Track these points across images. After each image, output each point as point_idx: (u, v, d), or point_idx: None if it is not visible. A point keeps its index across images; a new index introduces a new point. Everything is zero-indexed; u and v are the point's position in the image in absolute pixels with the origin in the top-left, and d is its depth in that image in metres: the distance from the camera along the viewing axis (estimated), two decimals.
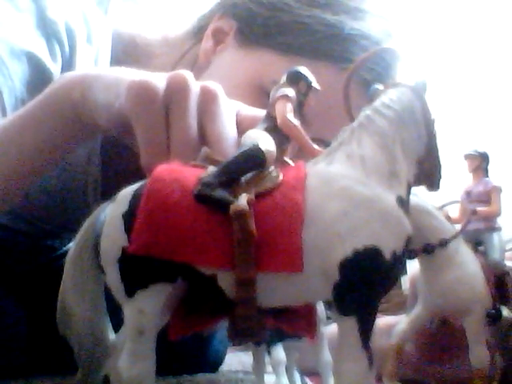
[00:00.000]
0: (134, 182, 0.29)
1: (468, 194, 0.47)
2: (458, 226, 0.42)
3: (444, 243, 0.39)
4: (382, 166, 0.29)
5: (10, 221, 0.71)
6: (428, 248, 0.39)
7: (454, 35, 1.78)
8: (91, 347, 0.29)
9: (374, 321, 0.26)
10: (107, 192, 0.68)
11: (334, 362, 0.27)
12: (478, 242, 0.45)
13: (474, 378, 0.40)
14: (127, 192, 0.29)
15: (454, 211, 0.46)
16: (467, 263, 0.40)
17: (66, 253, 0.82)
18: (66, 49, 0.58)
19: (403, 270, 0.28)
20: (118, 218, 0.28)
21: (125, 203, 0.28)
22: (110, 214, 0.28)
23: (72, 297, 0.29)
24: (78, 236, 0.30)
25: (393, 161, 0.29)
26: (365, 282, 0.26)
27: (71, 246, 0.82)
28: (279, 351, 0.40)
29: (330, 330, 0.38)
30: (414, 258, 0.40)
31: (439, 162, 0.32)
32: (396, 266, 0.27)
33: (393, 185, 0.28)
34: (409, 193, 0.29)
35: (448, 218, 0.42)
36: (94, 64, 0.63)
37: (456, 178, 0.44)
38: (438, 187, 0.32)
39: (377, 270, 0.26)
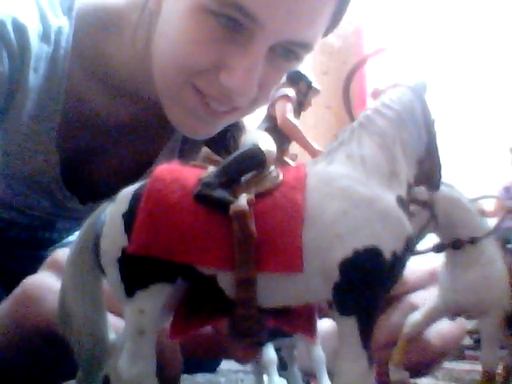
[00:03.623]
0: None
1: (507, 189, 0.46)
2: (491, 220, 0.41)
3: (474, 241, 0.39)
4: (382, 166, 0.28)
5: (3, 212, 0.72)
6: (457, 243, 0.39)
7: (455, 34, 1.78)
8: (91, 347, 0.29)
9: (374, 321, 0.26)
10: (71, 184, 0.67)
11: (334, 362, 0.27)
12: (507, 240, 0.44)
13: (481, 378, 0.39)
14: (127, 192, 0.29)
15: (489, 205, 0.45)
16: (493, 263, 0.39)
17: (65, 244, 0.82)
18: (15, 47, 0.58)
19: (403, 270, 0.28)
20: (117, 218, 0.28)
21: (125, 203, 0.28)
22: (110, 214, 0.28)
23: (72, 297, 0.29)
24: (78, 236, 0.30)
25: (393, 161, 0.29)
26: (365, 282, 0.26)
27: (70, 239, 0.83)
28: (270, 351, 0.40)
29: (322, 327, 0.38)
30: (441, 251, 0.40)
31: (439, 161, 0.32)
32: (396, 266, 0.27)
33: (393, 185, 0.28)
34: (409, 193, 0.29)
35: (481, 212, 0.41)
36: (49, 63, 0.62)
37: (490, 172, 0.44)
38: (438, 187, 0.32)
39: (377, 270, 0.26)
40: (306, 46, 0.58)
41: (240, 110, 0.62)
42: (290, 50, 0.58)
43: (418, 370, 0.45)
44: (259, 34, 0.54)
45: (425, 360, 0.45)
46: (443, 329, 0.46)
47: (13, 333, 0.42)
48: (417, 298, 0.46)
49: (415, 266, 0.47)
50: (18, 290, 0.42)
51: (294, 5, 0.53)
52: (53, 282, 0.41)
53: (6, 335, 0.42)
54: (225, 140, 0.68)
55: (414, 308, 0.44)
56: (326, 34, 0.63)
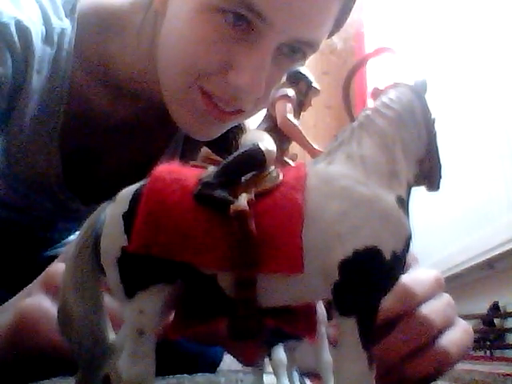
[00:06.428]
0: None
1: None
2: None
3: None
4: (382, 166, 0.28)
5: (4, 212, 0.72)
6: None
7: (455, 35, 1.78)
8: (91, 347, 0.29)
9: (374, 321, 0.26)
10: (73, 184, 0.68)
11: (334, 362, 0.27)
12: None
13: None
14: (127, 192, 0.29)
15: None
16: None
17: (66, 244, 0.83)
18: (18, 50, 0.58)
19: (403, 270, 0.28)
20: (117, 218, 0.28)
21: (125, 203, 0.28)
22: (110, 214, 0.28)
23: (72, 297, 0.29)
24: (78, 236, 0.30)
25: (393, 161, 0.29)
26: (365, 282, 0.26)
27: (71, 238, 0.84)
28: (280, 352, 0.40)
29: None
30: None
31: (439, 161, 0.32)
32: (396, 266, 0.27)
33: (393, 185, 0.28)
34: (409, 193, 0.29)
35: None
36: (52, 65, 0.62)
37: None
38: (438, 187, 0.32)
39: (377, 270, 0.26)
40: (313, 45, 0.58)
41: (245, 112, 0.62)
42: (297, 49, 0.58)
43: (434, 379, 0.45)
44: (267, 32, 0.54)
45: (442, 369, 0.45)
46: (456, 336, 0.46)
47: (9, 356, 0.43)
48: (427, 309, 0.45)
49: (420, 276, 0.46)
50: (14, 315, 0.43)
51: (302, 3, 0.53)
52: (48, 306, 0.42)
53: (3, 356, 0.44)
54: (226, 140, 0.68)
55: (426, 323, 0.44)
56: (330, 35, 0.63)
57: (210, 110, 0.60)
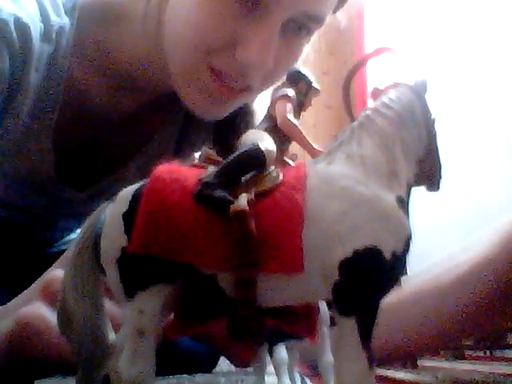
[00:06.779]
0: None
1: None
2: None
3: None
4: (382, 166, 0.28)
5: (4, 211, 0.72)
6: None
7: (456, 33, 1.78)
8: (91, 347, 0.29)
9: (374, 321, 0.26)
10: (66, 177, 0.68)
11: (334, 362, 0.27)
12: None
13: None
14: (127, 192, 0.29)
15: None
16: None
17: (66, 242, 0.83)
18: (16, 47, 0.58)
19: (403, 270, 0.28)
20: (117, 218, 0.28)
21: (125, 203, 0.28)
22: (110, 214, 0.28)
23: (72, 297, 0.29)
24: (78, 236, 0.30)
25: (393, 161, 0.29)
26: (365, 283, 0.26)
27: (72, 236, 0.83)
28: (281, 351, 0.40)
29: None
30: None
31: (439, 161, 0.32)
32: (396, 267, 0.27)
33: (393, 185, 0.28)
34: (409, 193, 0.29)
35: None
36: (50, 62, 0.62)
37: None
38: (439, 187, 0.32)
39: (377, 270, 0.26)
40: (319, 20, 0.59)
41: (252, 90, 0.63)
42: (303, 26, 0.58)
43: None
44: (274, 7, 0.54)
45: None
46: None
47: (10, 362, 0.44)
48: None
49: None
50: (14, 322, 0.43)
51: None
52: (47, 313, 0.42)
53: (4, 362, 0.44)
54: (234, 125, 0.68)
55: None
56: (334, 10, 0.64)
57: (218, 87, 0.60)
